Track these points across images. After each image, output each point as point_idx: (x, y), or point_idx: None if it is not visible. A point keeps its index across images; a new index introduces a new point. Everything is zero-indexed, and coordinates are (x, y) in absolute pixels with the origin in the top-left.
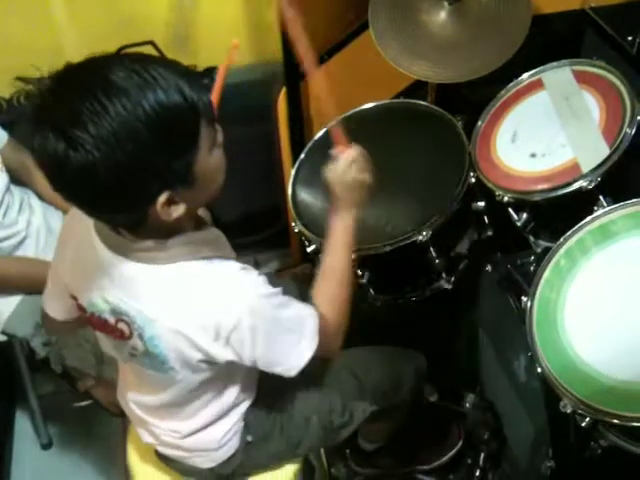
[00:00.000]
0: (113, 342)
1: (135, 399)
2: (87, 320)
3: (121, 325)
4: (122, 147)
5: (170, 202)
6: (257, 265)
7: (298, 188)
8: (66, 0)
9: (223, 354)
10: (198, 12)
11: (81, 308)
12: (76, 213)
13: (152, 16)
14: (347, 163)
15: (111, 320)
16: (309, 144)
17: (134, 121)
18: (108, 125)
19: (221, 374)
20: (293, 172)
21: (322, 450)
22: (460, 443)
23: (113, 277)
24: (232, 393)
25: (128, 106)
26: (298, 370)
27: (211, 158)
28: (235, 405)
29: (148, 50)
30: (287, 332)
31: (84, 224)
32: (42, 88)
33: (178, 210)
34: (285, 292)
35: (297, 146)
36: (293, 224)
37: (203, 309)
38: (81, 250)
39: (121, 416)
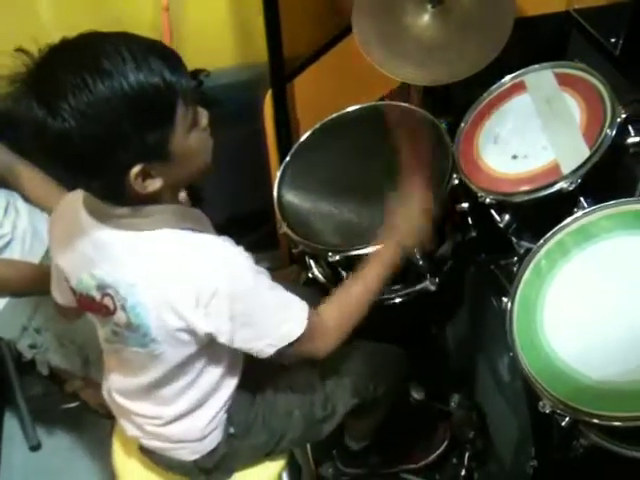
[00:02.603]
0: (100, 321)
1: (117, 386)
2: (77, 304)
3: (106, 300)
4: (97, 119)
5: (145, 175)
6: None
7: (284, 190)
8: (53, 3)
9: (202, 324)
10: (185, 15)
11: (73, 291)
12: (63, 201)
13: (139, 19)
14: (420, 208)
15: (97, 296)
16: (294, 146)
17: (112, 97)
18: (87, 99)
19: (202, 352)
20: (278, 174)
21: (309, 450)
22: (446, 442)
23: (96, 246)
24: (213, 375)
25: (108, 84)
26: (275, 349)
27: (190, 138)
28: (216, 390)
29: None
30: (270, 309)
31: (71, 204)
32: (37, 59)
33: (154, 184)
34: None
35: (284, 148)
36: (279, 226)
37: (183, 273)
38: (69, 228)
39: (109, 417)
